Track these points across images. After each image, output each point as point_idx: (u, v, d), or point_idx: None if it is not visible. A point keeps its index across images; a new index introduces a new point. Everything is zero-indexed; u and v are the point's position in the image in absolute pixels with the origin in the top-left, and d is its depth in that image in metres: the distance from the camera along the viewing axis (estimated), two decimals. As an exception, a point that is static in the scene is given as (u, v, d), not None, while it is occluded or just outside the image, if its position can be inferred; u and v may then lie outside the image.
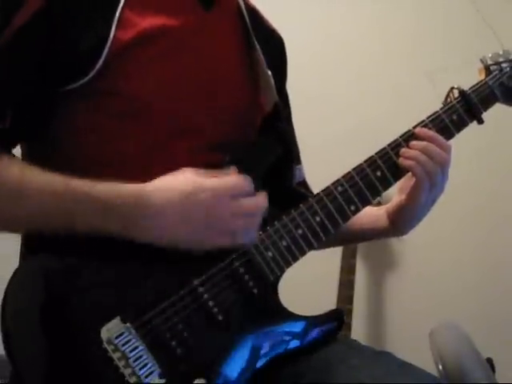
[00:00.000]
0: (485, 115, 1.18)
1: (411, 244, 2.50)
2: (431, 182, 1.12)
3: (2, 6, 0.98)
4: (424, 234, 2.46)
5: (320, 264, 2.17)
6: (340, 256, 2.36)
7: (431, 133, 1.12)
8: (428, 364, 1.38)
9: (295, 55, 1.32)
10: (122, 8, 1.02)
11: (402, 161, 1.10)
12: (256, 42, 1.16)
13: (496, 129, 1.93)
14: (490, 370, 1.65)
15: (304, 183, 1.29)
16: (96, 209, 0.93)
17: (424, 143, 1.11)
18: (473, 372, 1.55)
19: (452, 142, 1.16)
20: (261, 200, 1.00)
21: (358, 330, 2.38)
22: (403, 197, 1.16)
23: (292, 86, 1.32)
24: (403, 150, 1.11)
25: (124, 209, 0.93)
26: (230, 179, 0.99)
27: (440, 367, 1.55)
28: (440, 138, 1.12)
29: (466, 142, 1.52)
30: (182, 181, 0.96)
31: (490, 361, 1.71)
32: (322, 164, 2.00)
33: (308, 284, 2.38)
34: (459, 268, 2.46)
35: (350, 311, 2.30)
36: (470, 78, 1.22)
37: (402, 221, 1.20)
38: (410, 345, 2.26)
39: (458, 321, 1.71)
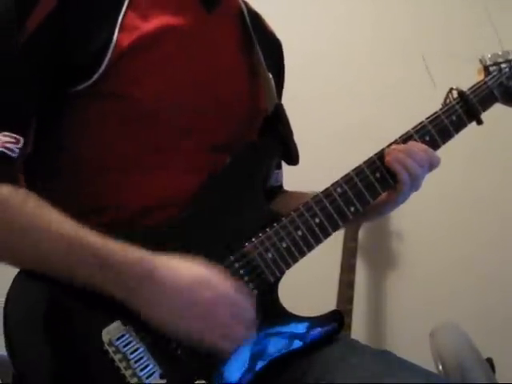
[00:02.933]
0: (486, 115, 1.19)
1: (411, 244, 2.50)
2: (413, 186, 1.12)
3: (16, 7, 0.98)
4: (424, 234, 2.48)
5: (320, 264, 2.17)
6: (340, 256, 2.36)
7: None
8: (428, 364, 1.38)
9: (295, 55, 1.33)
10: (125, 11, 1.02)
11: (389, 162, 1.10)
12: (257, 45, 1.17)
13: (496, 129, 1.93)
14: (490, 369, 1.66)
15: (280, 188, 1.30)
16: (99, 269, 0.91)
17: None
18: (473, 372, 1.55)
19: (452, 142, 1.16)
20: (254, 322, 0.99)
21: (358, 330, 2.38)
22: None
23: (292, 86, 1.32)
24: (388, 151, 1.11)
25: (130, 283, 0.92)
26: (237, 292, 0.97)
27: (440, 367, 1.56)
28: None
29: (467, 143, 1.53)
30: (194, 273, 0.95)
31: (490, 361, 1.71)
32: (322, 164, 2.01)
33: (308, 284, 2.38)
34: (459, 268, 2.46)
35: (350, 311, 2.30)
36: (471, 78, 1.22)
37: (371, 212, 1.19)
38: (410, 345, 2.26)
39: (458, 321, 1.72)
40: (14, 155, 0.96)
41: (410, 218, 2.29)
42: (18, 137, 0.96)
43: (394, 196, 1.12)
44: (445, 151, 1.17)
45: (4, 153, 0.95)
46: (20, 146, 0.97)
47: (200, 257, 0.97)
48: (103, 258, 0.91)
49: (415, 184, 1.11)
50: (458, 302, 2.42)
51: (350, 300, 2.31)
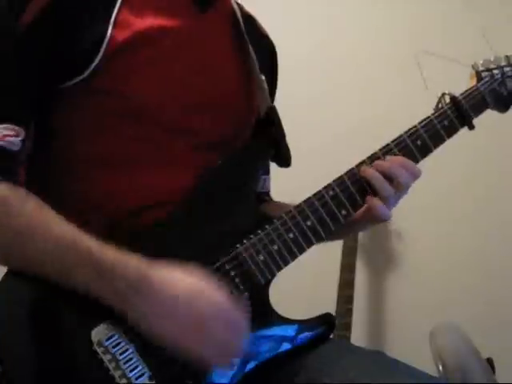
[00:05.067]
0: (483, 117, 1.19)
1: (411, 244, 2.50)
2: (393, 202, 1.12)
3: (9, 4, 0.99)
4: (424, 234, 2.48)
5: (320, 264, 2.18)
6: (340, 255, 2.36)
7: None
8: (428, 364, 1.39)
9: (289, 56, 1.33)
10: (119, 8, 1.02)
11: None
12: (250, 46, 1.17)
13: (494, 131, 1.93)
14: (490, 369, 1.66)
15: (268, 194, 1.30)
16: (96, 275, 0.91)
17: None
18: (473, 372, 1.56)
19: (452, 144, 1.17)
20: (245, 342, 0.98)
21: (358, 330, 2.37)
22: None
23: (286, 88, 1.33)
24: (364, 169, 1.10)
25: (125, 290, 0.92)
26: (233, 308, 0.96)
27: (440, 367, 1.56)
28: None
29: (465, 144, 1.53)
30: (189, 285, 0.94)
31: (490, 361, 1.71)
32: (316, 167, 2.01)
33: (308, 283, 2.38)
34: (459, 268, 2.45)
35: (350, 311, 2.29)
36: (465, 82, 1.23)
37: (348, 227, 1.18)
38: (410, 345, 2.27)
39: (458, 321, 1.72)
40: (14, 148, 0.97)
41: (410, 217, 2.28)
42: (18, 129, 0.97)
43: (374, 212, 1.11)
44: (445, 153, 1.18)
45: (4, 147, 0.96)
46: (21, 138, 0.97)
47: (194, 264, 0.96)
48: (99, 264, 0.91)
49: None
50: (458, 301, 2.41)
51: (350, 299, 2.30)
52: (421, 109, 1.16)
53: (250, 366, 1.03)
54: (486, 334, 2.14)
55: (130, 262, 0.93)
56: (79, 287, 0.92)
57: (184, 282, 0.94)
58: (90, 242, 0.92)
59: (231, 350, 0.96)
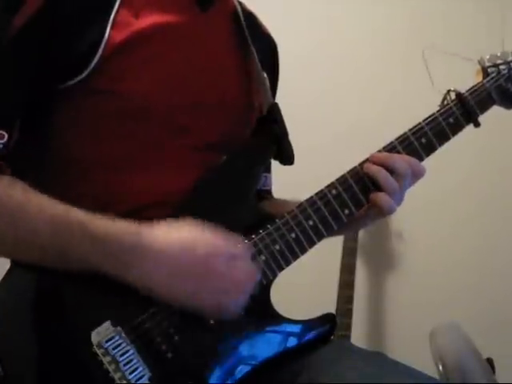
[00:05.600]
0: (487, 115, 1.18)
1: (411, 244, 2.50)
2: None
3: (3, 6, 0.98)
4: (424, 234, 2.48)
5: (320, 264, 2.17)
6: (340, 255, 2.35)
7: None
8: (428, 364, 1.38)
9: (292, 54, 1.32)
10: (118, 8, 1.02)
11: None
12: (251, 45, 1.17)
13: (496, 130, 1.93)
14: (490, 369, 1.65)
15: (269, 192, 1.30)
16: (91, 246, 0.91)
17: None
18: (473, 372, 1.55)
19: (453, 143, 1.15)
20: (254, 269, 0.99)
21: (358, 330, 2.38)
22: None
23: (289, 86, 1.32)
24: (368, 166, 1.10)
25: (119, 254, 0.92)
26: (232, 242, 0.97)
27: (440, 367, 1.56)
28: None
29: (467, 143, 1.52)
30: (183, 233, 0.95)
31: (490, 361, 1.71)
32: (319, 165, 2.00)
33: (308, 284, 2.38)
34: (459, 268, 2.46)
35: (350, 311, 2.29)
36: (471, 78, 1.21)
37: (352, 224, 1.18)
38: (410, 345, 2.27)
39: (458, 321, 1.71)
40: None
41: (410, 217, 2.28)
42: (1, 132, 0.97)
43: (378, 212, 1.11)
44: (446, 153, 1.17)
45: None
46: (4, 141, 0.97)
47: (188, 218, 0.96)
48: (92, 233, 0.91)
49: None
50: (458, 301, 2.42)
51: (350, 300, 2.30)
52: (423, 107, 1.15)
53: (248, 368, 1.02)
54: (486, 334, 2.13)
55: (123, 226, 0.93)
56: (76, 262, 0.92)
57: (179, 232, 0.94)
58: (82, 215, 0.92)
59: (243, 283, 0.96)
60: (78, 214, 0.93)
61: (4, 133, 0.97)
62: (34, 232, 0.92)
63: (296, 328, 1.07)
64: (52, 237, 0.92)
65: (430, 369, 1.27)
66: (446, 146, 1.15)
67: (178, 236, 0.94)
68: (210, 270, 0.93)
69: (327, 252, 1.28)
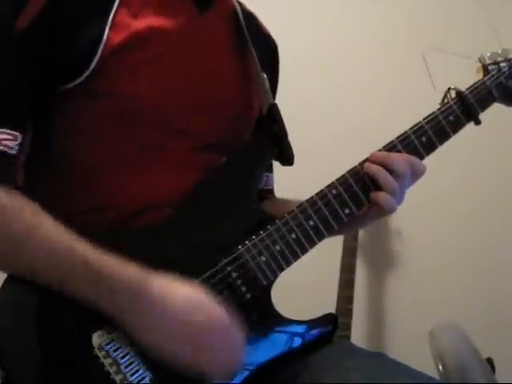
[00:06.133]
0: (486, 114, 1.18)
1: (411, 244, 2.50)
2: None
3: (6, 7, 0.97)
4: (424, 234, 2.48)
5: (320, 264, 2.17)
6: (340, 256, 2.35)
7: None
8: (428, 364, 1.38)
9: (292, 55, 1.32)
10: (116, 10, 1.01)
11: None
12: (251, 45, 1.17)
13: (494, 129, 1.92)
14: (490, 369, 1.65)
15: (271, 192, 1.29)
16: (94, 287, 0.90)
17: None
18: (473, 372, 1.55)
19: (451, 142, 1.15)
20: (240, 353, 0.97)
21: (358, 330, 2.37)
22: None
23: (290, 87, 1.31)
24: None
25: (124, 303, 0.91)
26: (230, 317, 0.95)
27: (440, 367, 1.55)
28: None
29: (467, 142, 1.52)
30: (188, 298, 0.93)
31: (490, 361, 1.70)
32: (320, 166, 2.00)
33: (308, 283, 2.38)
34: (459, 268, 2.46)
35: (350, 311, 2.29)
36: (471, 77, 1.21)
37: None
38: (410, 345, 2.27)
39: (458, 321, 1.71)
40: (12, 152, 0.96)
41: (410, 217, 2.28)
42: (15, 133, 0.96)
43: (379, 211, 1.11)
44: (445, 151, 1.16)
45: (4, 152, 0.95)
46: (18, 142, 0.96)
47: (193, 278, 0.96)
48: (96, 275, 0.90)
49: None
50: (457, 301, 2.41)
51: (350, 300, 2.30)
52: (424, 106, 1.15)
53: (252, 367, 1.02)
54: (486, 333, 2.13)
55: (129, 273, 0.91)
56: (72, 293, 0.90)
57: (183, 296, 0.93)
58: (87, 251, 0.91)
59: (231, 363, 0.96)
60: (83, 248, 0.91)
61: (18, 134, 0.96)
62: (34, 259, 0.91)
63: (299, 328, 1.07)
64: (53, 267, 0.91)
65: (430, 369, 1.26)
66: (446, 145, 1.15)
67: (183, 300, 0.92)
68: (205, 343, 0.93)
69: (327, 252, 1.27)
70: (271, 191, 1.29)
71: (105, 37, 0.99)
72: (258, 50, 1.17)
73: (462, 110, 1.14)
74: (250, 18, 1.23)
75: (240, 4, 1.21)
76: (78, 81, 0.98)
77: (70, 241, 0.91)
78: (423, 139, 1.11)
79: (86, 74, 0.98)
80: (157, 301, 0.91)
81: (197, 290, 0.94)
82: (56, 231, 0.92)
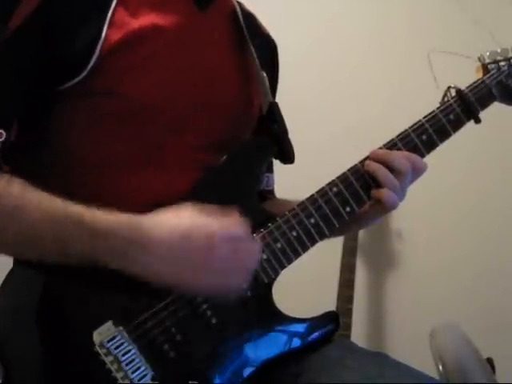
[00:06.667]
0: (486, 113, 1.18)
1: (411, 244, 2.49)
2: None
3: None
4: (424, 233, 2.47)
5: (320, 264, 2.17)
6: (340, 255, 2.35)
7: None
8: (428, 364, 1.38)
9: (294, 54, 1.32)
10: (115, 8, 1.01)
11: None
12: (250, 44, 1.17)
13: (495, 128, 1.92)
14: (490, 369, 1.65)
15: (272, 192, 1.29)
16: (90, 240, 0.90)
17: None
18: (473, 372, 1.55)
19: (451, 142, 1.15)
20: (256, 247, 0.98)
21: (358, 330, 2.37)
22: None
23: (291, 85, 1.31)
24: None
25: (120, 248, 0.90)
26: (231, 223, 0.94)
27: (440, 367, 1.55)
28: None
29: (467, 141, 1.52)
30: (182, 220, 0.92)
31: (490, 361, 1.70)
32: (320, 165, 1.99)
33: (308, 283, 2.38)
34: (459, 268, 2.45)
35: (350, 311, 2.28)
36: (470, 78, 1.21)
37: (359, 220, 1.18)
38: (410, 345, 2.27)
39: (458, 321, 1.71)
40: None
41: (410, 217, 2.28)
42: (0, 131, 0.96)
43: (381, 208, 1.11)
44: (444, 151, 1.16)
45: None
46: (2, 139, 0.96)
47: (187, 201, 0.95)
48: (91, 228, 0.90)
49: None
50: (457, 302, 2.41)
51: (350, 299, 2.30)
52: (424, 105, 1.15)
53: (252, 368, 1.02)
54: (486, 334, 2.13)
55: (122, 218, 0.91)
56: (76, 256, 0.90)
57: (176, 221, 0.92)
58: (80, 209, 0.91)
59: (245, 262, 0.94)
60: (76, 208, 0.91)
61: (2, 131, 0.96)
62: (33, 228, 0.91)
63: (300, 327, 1.07)
64: (51, 232, 0.91)
65: (430, 369, 1.26)
66: (446, 144, 1.15)
67: (178, 224, 0.92)
68: (211, 255, 0.91)
69: (327, 251, 1.27)
70: (272, 192, 1.29)
71: (103, 35, 0.98)
72: (257, 49, 1.17)
73: (462, 108, 1.15)
74: (250, 17, 1.23)
75: (239, 4, 1.21)
76: (77, 79, 0.98)
77: (64, 203, 0.91)
78: (423, 137, 1.12)
79: (85, 72, 0.97)
80: (152, 233, 0.90)
81: (188, 213, 0.93)
82: (47, 198, 0.92)
